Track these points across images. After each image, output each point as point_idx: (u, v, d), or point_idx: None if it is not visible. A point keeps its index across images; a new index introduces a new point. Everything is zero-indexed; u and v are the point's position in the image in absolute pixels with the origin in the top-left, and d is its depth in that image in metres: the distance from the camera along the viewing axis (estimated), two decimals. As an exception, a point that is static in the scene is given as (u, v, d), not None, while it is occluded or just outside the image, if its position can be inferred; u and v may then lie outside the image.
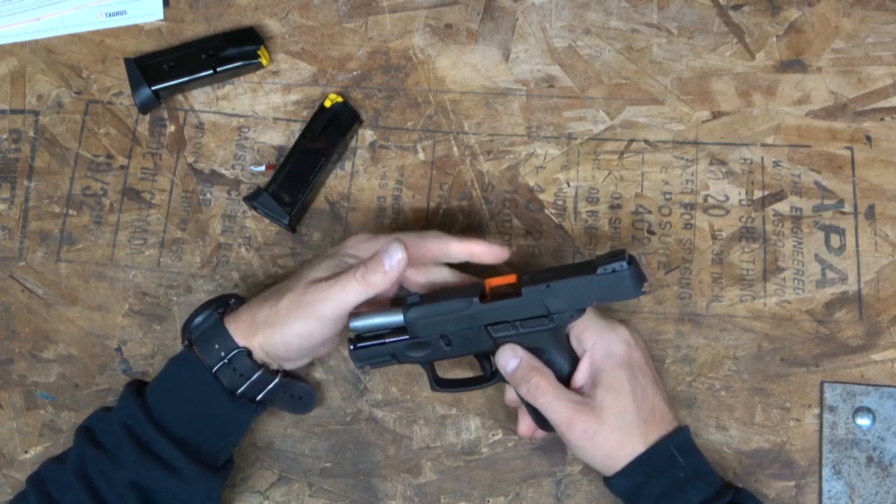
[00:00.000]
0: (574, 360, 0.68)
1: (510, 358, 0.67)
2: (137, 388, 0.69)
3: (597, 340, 0.67)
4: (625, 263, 0.64)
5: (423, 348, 0.68)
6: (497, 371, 0.69)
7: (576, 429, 0.65)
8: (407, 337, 0.68)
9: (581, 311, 0.66)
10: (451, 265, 0.71)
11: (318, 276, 0.67)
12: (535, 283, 0.66)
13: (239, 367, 0.67)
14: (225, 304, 0.71)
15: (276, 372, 0.69)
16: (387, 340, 0.68)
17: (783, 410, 0.74)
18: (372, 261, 0.66)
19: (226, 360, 0.67)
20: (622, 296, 0.65)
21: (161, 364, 0.76)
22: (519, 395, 0.68)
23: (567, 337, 0.68)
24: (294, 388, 0.72)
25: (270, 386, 0.69)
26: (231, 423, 0.69)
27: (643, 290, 0.65)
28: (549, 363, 0.67)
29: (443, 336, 0.68)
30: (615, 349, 0.67)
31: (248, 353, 0.67)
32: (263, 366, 0.68)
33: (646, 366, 0.67)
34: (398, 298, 0.71)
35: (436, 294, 0.69)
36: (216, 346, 0.67)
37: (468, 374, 0.73)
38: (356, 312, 0.68)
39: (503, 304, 0.66)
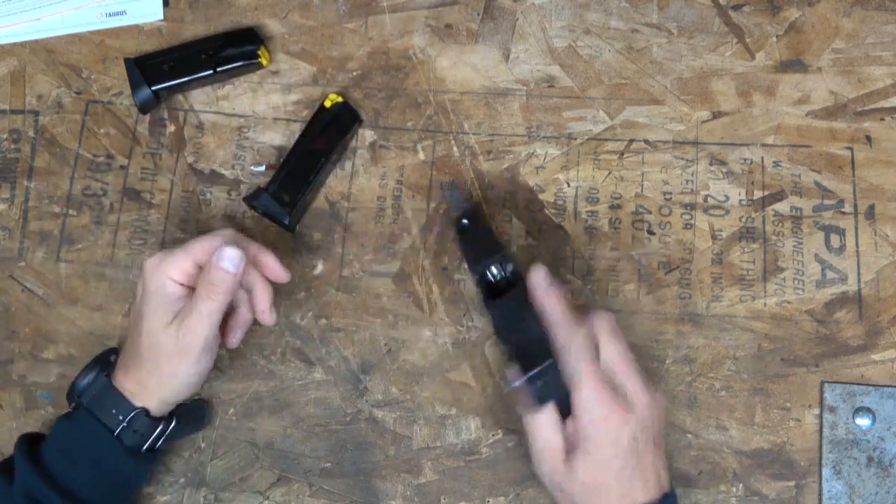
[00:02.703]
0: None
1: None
2: (29, 450, 0.68)
3: (589, 408, 0.63)
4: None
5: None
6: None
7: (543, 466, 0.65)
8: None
9: None
10: None
11: (171, 322, 0.67)
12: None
13: (139, 427, 0.68)
14: (107, 363, 0.71)
15: (171, 417, 0.70)
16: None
17: (783, 410, 0.74)
18: (213, 276, 0.66)
19: (125, 423, 0.67)
20: None
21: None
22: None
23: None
24: (187, 418, 0.72)
25: (169, 431, 0.70)
26: (136, 476, 0.70)
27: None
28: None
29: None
30: (610, 425, 0.63)
31: (146, 412, 0.68)
32: (160, 419, 0.69)
33: (637, 447, 0.63)
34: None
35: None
36: (113, 411, 0.67)
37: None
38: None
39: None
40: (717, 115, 0.81)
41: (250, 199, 0.78)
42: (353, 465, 0.75)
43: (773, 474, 0.73)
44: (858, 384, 0.74)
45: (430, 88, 0.83)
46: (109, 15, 0.85)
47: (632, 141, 0.81)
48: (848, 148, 0.80)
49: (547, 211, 0.79)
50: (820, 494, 0.72)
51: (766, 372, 0.75)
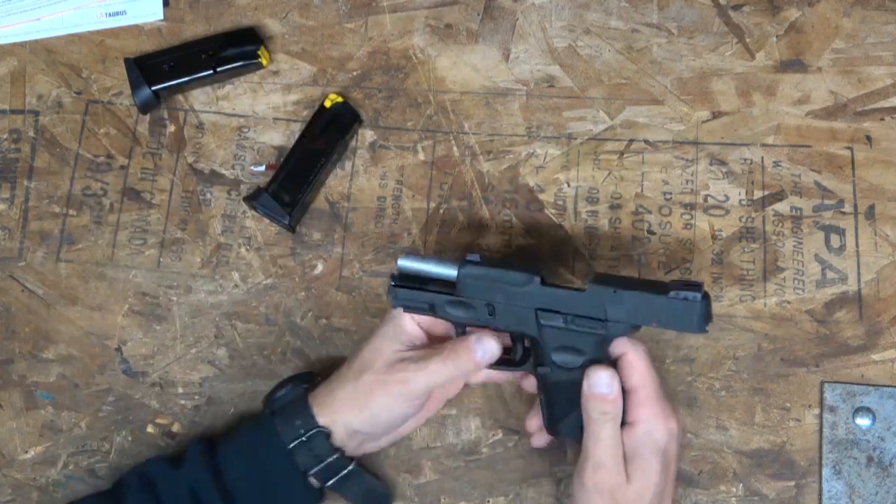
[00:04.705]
0: None
1: (607, 383, 0.63)
2: (209, 447, 0.68)
3: (648, 418, 0.63)
4: (699, 295, 0.61)
5: (464, 309, 0.66)
6: (526, 357, 0.67)
7: (600, 476, 0.63)
8: (451, 293, 0.66)
9: (636, 328, 0.64)
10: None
11: (399, 351, 0.67)
12: (603, 284, 0.63)
13: (316, 447, 0.66)
14: (310, 379, 0.70)
15: (351, 459, 0.68)
16: (429, 289, 0.66)
17: (783, 410, 0.74)
18: (463, 347, 0.65)
19: (304, 438, 0.66)
20: (685, 327, 0.62)
21: (161, 365, 0.76)
22: (547, 398, 0.67)
23: (613, 363, 0.65)
24: (366, 482, 0.70)
25: (344, 472, 0.67)
26: (295, 502, 0.68)
27: (706, 328, 0.62)
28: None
29: (489, 304, 0.65)
30: (659, 436, 0.63)
31: (328, 434, 0.66)
32: (340, 450, 0.67)
33: (674, 464, 0.64)
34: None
35: (497, 260, 0.66)
36: (297, 423, 0.66)
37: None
38: (410, 251, 0.67)
39: (563, 294, 0.64)
40: (717, 115, 0.81)
41: (250, 199, 0.78)
42: (353, 465, 0.74)
43: (773, 474, 0.73)
44: (858, 384, 0.74)
45: (430, 88, 0.83)
46: (109, 15, 0.86)
47: (632, 141, 0.81)
48: (848, 148, 0.80)
49: (547, 211, 0.79)
50: (820, 494, 0.72)
51: (766, 372, 0.75)
